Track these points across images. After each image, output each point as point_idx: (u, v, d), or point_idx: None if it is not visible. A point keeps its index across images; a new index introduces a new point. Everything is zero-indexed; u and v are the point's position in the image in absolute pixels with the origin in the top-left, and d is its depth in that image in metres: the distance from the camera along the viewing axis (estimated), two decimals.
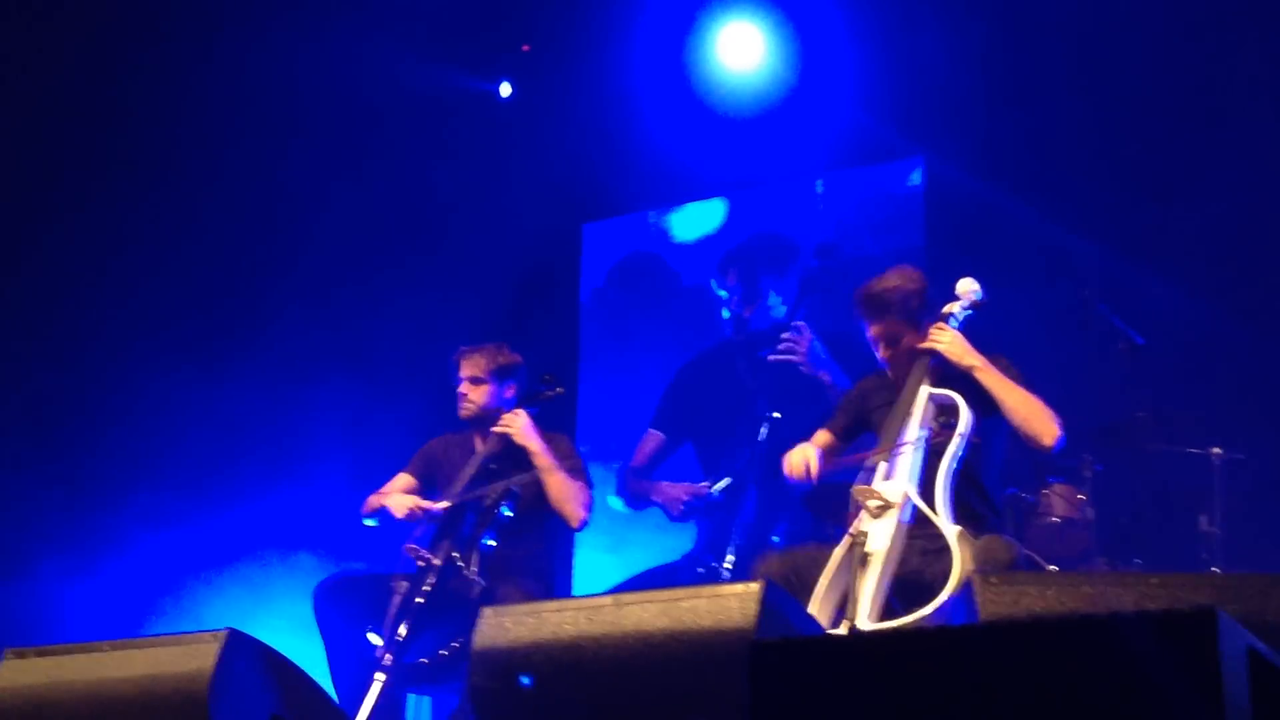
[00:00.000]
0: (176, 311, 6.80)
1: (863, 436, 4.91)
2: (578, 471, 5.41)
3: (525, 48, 7.60)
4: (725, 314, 6.64)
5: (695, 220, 7.47)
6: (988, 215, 6.37)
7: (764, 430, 5.92)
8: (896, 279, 4.82)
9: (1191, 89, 6.12)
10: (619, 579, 6.49)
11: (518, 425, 5.32)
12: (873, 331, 4.82)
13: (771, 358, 6.07)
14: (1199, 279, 5.93)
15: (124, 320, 6.69)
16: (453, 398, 5.55)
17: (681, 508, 6.21)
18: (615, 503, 6.55)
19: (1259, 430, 5.68)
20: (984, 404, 4.63)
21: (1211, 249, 5.91)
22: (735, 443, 6.16)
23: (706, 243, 7.37)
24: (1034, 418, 4.58)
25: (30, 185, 6.58)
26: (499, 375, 5.52)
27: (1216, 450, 5.58)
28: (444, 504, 5.25)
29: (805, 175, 7.14)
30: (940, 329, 4.73)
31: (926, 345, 4.71)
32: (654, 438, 6.53)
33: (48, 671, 3.66)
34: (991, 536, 4.49)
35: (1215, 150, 5.94)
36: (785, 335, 6.04)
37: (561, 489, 5.30)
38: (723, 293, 6.67)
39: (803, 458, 4.72)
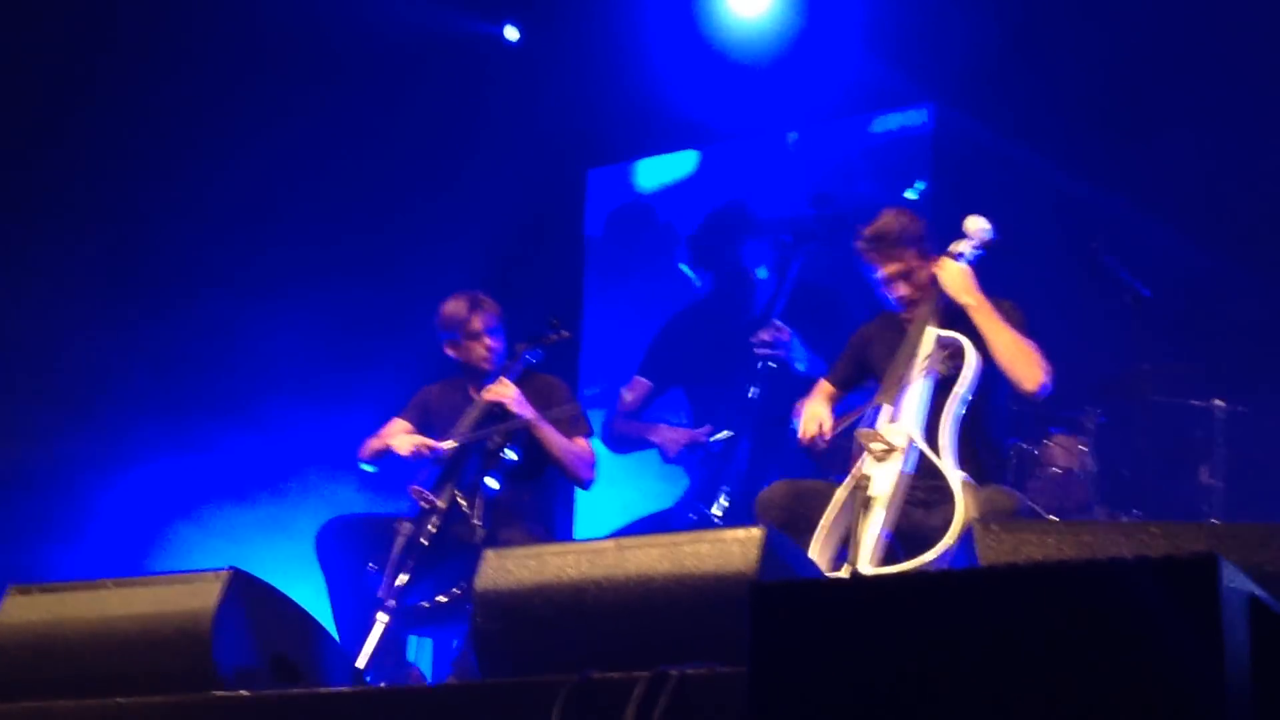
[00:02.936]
0: (184, 247, 6.77)
1: (867, 383, 4.90)
2: (579, 423, 5.40)
3: None
4: (703, 281, 6.67)
5: (700, 167, 7.45)
6: (995, 165, 6.35)
7: (758, 380, 5.93)
8: (896, 216, 4.78)
9: (1208, 43, 6.06)
10: (616, 524, 6.51)
11: (510, 397, 5.27)
12: (886, 271, 4.77)
13: (755, 351, 6.06)
14: (1206, 231, 5.92)
15: (137, 250, 6.67)
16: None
17: (680, 449, 6.24)
18: (599, 446, 6.55)
19: (1262, 383, 5.68)
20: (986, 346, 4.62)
21: (1220, 202, 5.90)
22: (727, 390, 6.18)
23: (710, 190, 7.35)
24: (1019, 360, 4.54)
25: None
26: (504, 325, 5.52)
27: (1219, 403, 5.59)
28: (450, 443, 5.25)
29: (812, 122, 7.11)
30: (945, 262, 4.69)
31: (938, 275, 4.68)
32: (641, 384, 6.54)
33: (51, 608, 3.66)
34: (995, 487, 4.50)
35: (1228, 104, 5.90)
36: (763, 334, 6.02)
37: (564, 454, 5.30)
38: (702, 278, 6.69)
39: (815, 419, 4.70)
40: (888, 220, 4.77)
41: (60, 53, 6.55)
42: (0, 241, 6.48)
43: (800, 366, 5.94)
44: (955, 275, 4.67)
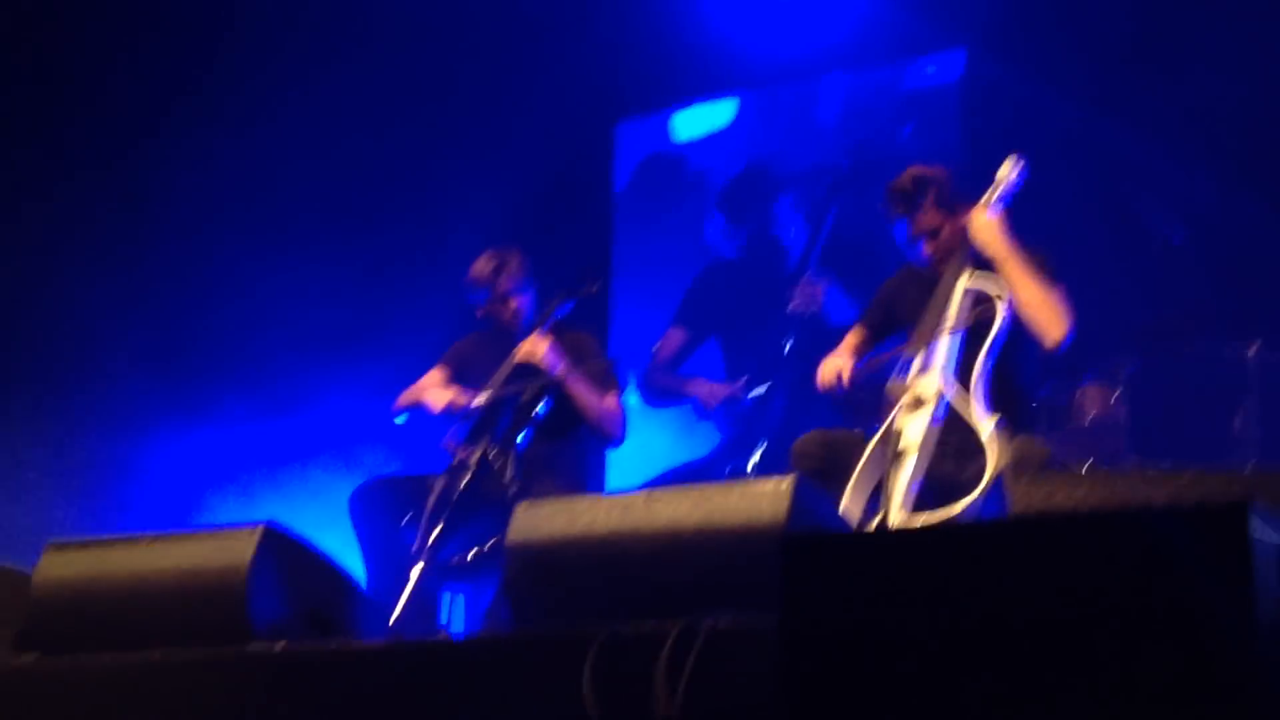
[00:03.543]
0: (206, 207, 6.74)
1: (896, 332, 4.89)
2: (608, 378, 5.40)
3: None
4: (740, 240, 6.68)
5: (728, 115, 7.39)
6: (1027, 110, 6.28)
7: (793, 333, 5.92)
8: (921, 173, 4.76)
9: None
10: (648, 476, 6.50)
11: (542, 354, 5.27)
12: (911, 228, 4.77)
13: (790, 309, 6.06)
14: (1239, 174, 5.84)
15: (154, 210, 6.64)
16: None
17: (716, 404, 6.24)
18: (633, 399, 6.54)
19: None
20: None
21: (1253, 144, 5.82)
22: (762, 343, 6.17)
23: (740, 138, 7.30)
24: (1041, 313, 4.51)
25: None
26: (531, 279, 5.52)
27: (1253, 349, 5.54)
28: (481, 399, 5.25)
29: (841, 66, 7.04)
30: (976, 213, 4.67)
31: (972, 230, 4.65)
32: (677, 334, 6.52)
33: (88, 564, 3.71)
34: (1026, 437, 4.49)
35: (1265, 43, 5.80)
36: (797, 294, 6.02)
37: (594, 410, 5.31)
38: (724, 238, 6.70)
39: (835, 368, 4.71)
40: (912, 178, 4.76)
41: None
42: (14, 204, 6.45)
43: (837, 321, 5.95)
44: (984, 226, 4.65)
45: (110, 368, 6.49)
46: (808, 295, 5.99)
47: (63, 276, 6.42)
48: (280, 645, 3.46)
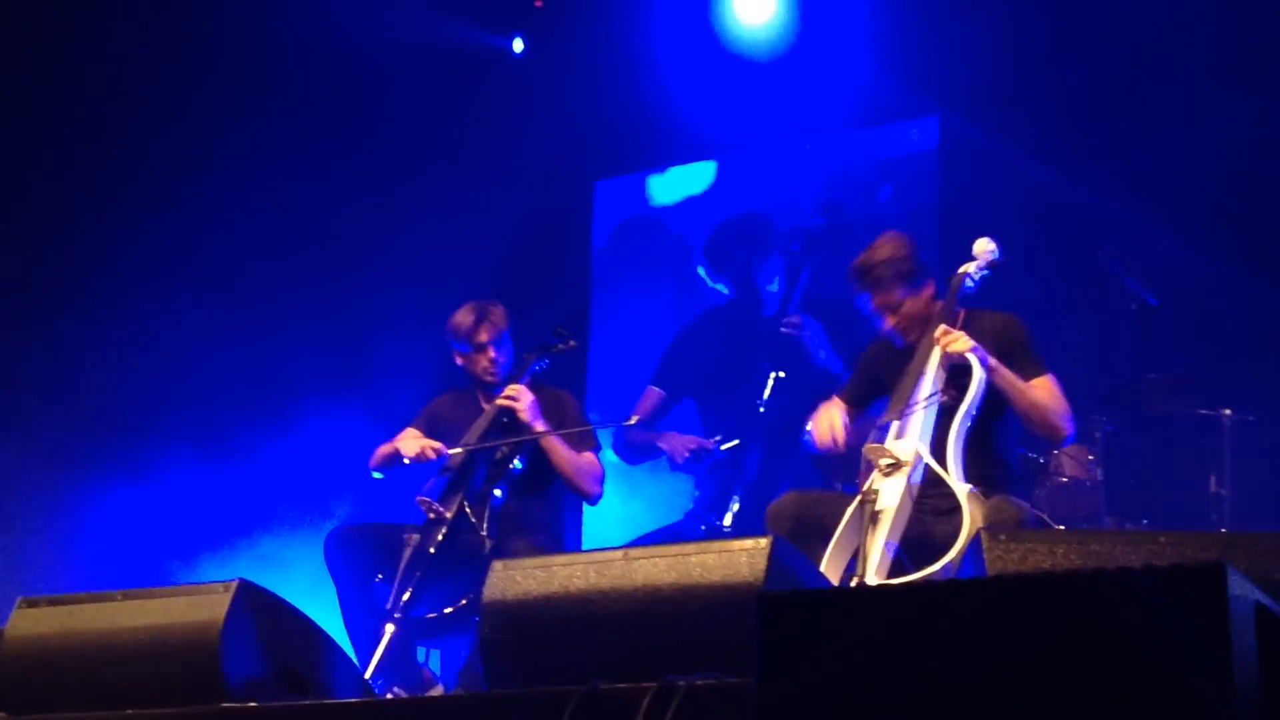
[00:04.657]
0: (190, 264, 6.72)
1: (878, 400, 4.89)
2: (586, 439, 5.37)
3: (538, 2, 7.56)
4: (723, 289, 6.75)
5: (707, 178, 7.44)
6: (1002, 174, 6.33)
7: (768, 390, 5.94)
8: (887, 248, 4.76)
9: (1220, 47, 6.02)
10: (625, 536, 6.50)
11: (524, 404, 5.24)
12: (875, 303, 4.78)
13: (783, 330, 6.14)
14: (1213, 239, 5.90)
15: (137, 271, 6.60)
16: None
17: (687, 455, 6.26)
18: (611, 456, 6.54)
19: (1270, 392, 5.67)
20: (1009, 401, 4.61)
21: (1227, 209, 5.87)
22: (737, 400, 6.19)
23: (718, 201, 7.34)
24: (1046, 419, 4.58)
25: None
26: (510, 333, 5.50)
27: (1227, 411, 5.58)
28: (456, 451, 5.23)
29: (818, 132, 7.09)
30: (947, 332, 4.62)
31: (941, 346, 4.60)
32: (654, 394, 6.55)
33: (60, 620, 3.67)
34: (1001, 497, 4.49)
35: (1235, 111, 5.87)
36: (784, 326, 6.08)
37: (571, 467, 5.27)
38: (721, 287, 6.78)
39: (829, 425, 4.70)
40: (874, 253, 4.76)
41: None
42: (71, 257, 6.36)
43: (821, 355, 5.97)
44: (965, 346, 4.58)
45: (47, 421, 6.38)
46: (799, 320, 6.10)
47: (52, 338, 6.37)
48: (254, 704, 3.42)
